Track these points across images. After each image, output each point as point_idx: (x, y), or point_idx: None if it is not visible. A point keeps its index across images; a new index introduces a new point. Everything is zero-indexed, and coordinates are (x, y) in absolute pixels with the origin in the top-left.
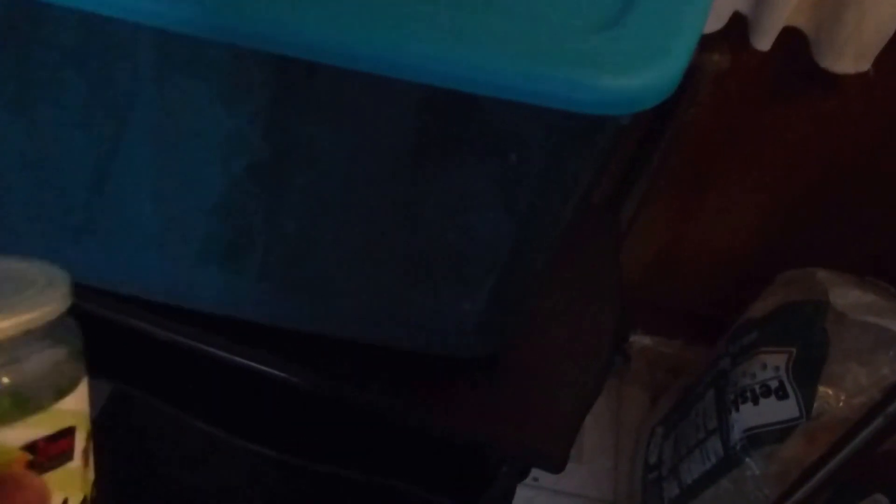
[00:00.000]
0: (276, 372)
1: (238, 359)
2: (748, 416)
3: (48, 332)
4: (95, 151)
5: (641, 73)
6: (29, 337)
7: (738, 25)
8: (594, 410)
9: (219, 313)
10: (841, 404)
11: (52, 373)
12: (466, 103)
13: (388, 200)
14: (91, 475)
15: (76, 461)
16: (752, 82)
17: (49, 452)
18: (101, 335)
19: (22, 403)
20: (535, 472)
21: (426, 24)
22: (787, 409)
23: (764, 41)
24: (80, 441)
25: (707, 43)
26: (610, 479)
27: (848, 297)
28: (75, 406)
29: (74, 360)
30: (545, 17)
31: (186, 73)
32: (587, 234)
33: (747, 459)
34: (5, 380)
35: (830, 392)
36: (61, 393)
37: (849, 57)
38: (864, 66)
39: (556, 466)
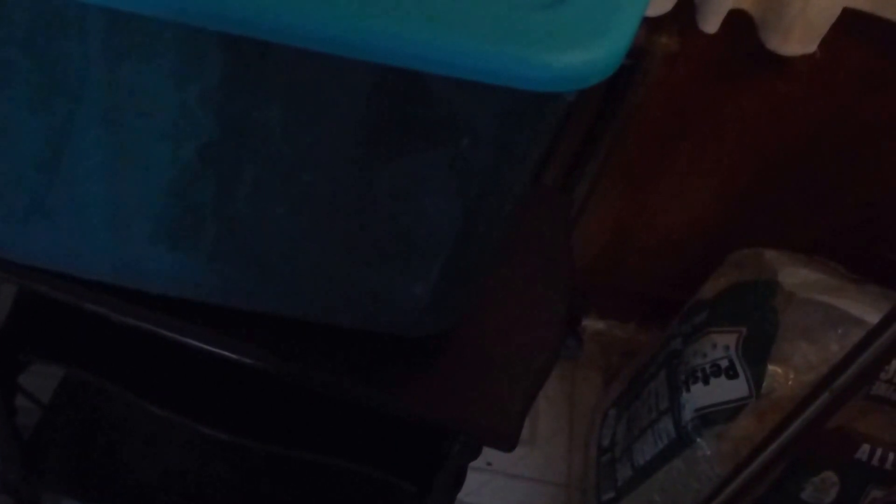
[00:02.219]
0: (228, 353)
1: (189, 340)
2: (699, 396)
3: None
4: (44, 132)
5: (585, 50)
6: None
7: (686, 8)
8: (548, 394)
9: (170, 294)
10: (790, 382)
11: None
12: (416, 83)
13: (339, 181)
14: None
15: None
16: (701, 65)
17: None
18: (52, 318)
19: None
20: (488, 455)
21: (374, 2)
22: (737, 388)
23: (711, 24)
24: None
25: (655, 25)
26: (564, 461)
27: (797, 276)
28: None
29: None
30: None
31: (136, 53)
32: (539, 216)
33: (698, 439)
34: None
35: (780, 370)
36: None
37: (795, 39)
38: (811, 47)
39: (508, 445)
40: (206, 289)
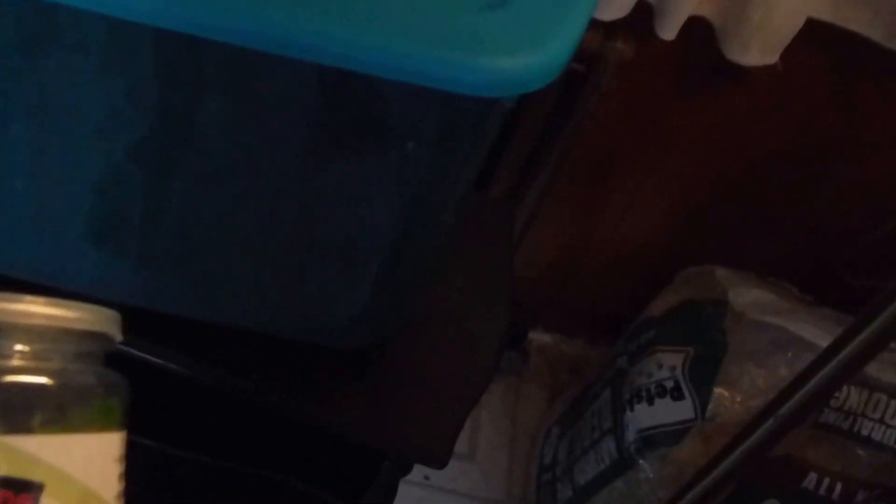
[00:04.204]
0: (154, 359)
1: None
2: (643, 417)
3: (83, 347)
4: None
5: (524, 55)
6: (66, 341)
7: (643, 13)
8: (490, 409)
9: (94, 295)
10: (737, 406)
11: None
12: (357, 85)
13: (275, 184)
14: None
15: None
16: (657, 73)
17: None
18: None
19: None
20: (426, 470)
21: (311, 2)
22: (682, 410)
23: (669, 30)
24: None
25: (610, 30)
26: (504, 479)
27: (747, 296)
28: (56, 457)
29: (94, 408)
30: None
31: (59, 45)
32: (482, 227)
33: (641, 461)
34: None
35: (726, 393)
36: (36, 429)
37: (756, 49)
38: (772, 58)
39: (439, 462)
40: (132, 291)
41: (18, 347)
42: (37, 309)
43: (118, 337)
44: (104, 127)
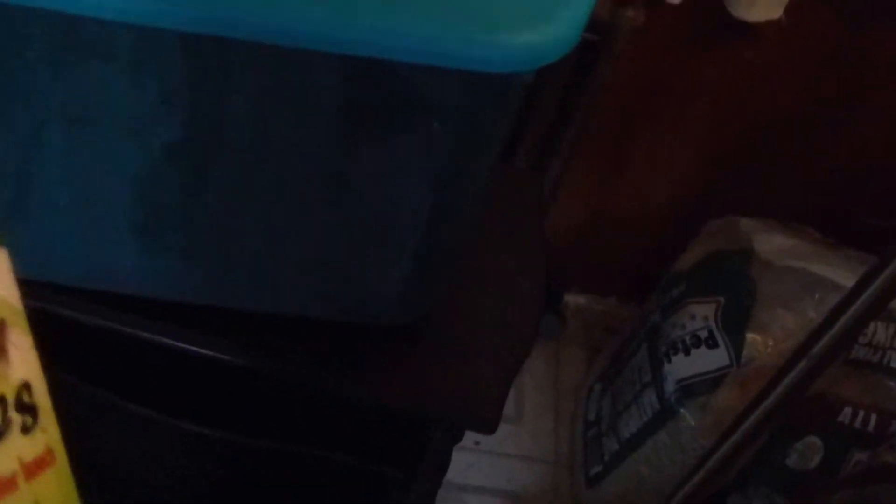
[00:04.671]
0: (204, 350)
1: (164, 339)
2: (680, 367)
3: None
4: (4, 137)
5: (540, 29)
6: None
7: None
8: (533, 372)
9: (143, 294)
10: (770, 350)
11: None
12: (381, 71)
13: (311, 172)
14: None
15: None
16: (669, 37)
17: None
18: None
19: None
20: (476, 436)
21: None
22: (717, 358)
23: None
24: None
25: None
26: (551, 438)
27: (772, 243)
28: None
29: None
30: None
31: (90, 55)
32: (511, 197)
33: (682, 410)
34: None
35: (759, 338)
36: None
37: (760, 5)
38: (776, 13)
39: (488, 427)
40: (178, 287)
41: None
42: None
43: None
44: (139, 130)
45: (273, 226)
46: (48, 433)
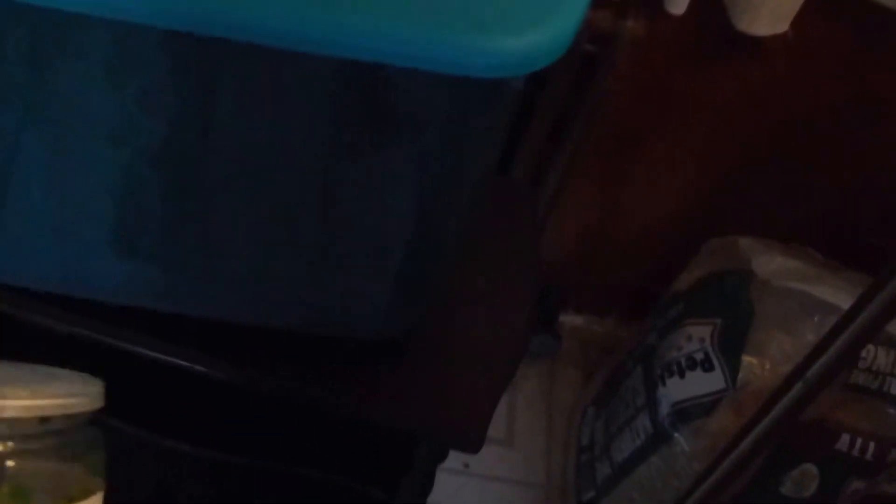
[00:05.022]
0: (187, 363)
1: (147, 351)
2: (675, 390)
3: (68, 433)
4: None
5: (529, 34)
6: (46, 428)
7: None
8: (526, 393)
9: (120, 302)
10: (766, 373)
11: (63, 476)
12: (366, 75)
13: (294, 182)
14: None
15: None
16: (670, 48)
17: None
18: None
19: (20, 497)
20: (465, 458)
21: None
22: (713, 381)
23: (678, 5)
24: None
25: (621, 9)
26: (543, 461)
27: (771, 264)
28: None
29: (90, 472)
30: None
31: (67, 53)
32: (505, 210)
33: (676, 434)
34: (10, 463)
35: (755, 361)
36: (68, 501)
37: (765, 18)
38: (782, 27)
39: (473, 446)
40: (156, 296)
41: (15, 436)
42: (24, 407)
43: (99, 404)
44: (119, 133)
45: (256, 236)
46: None
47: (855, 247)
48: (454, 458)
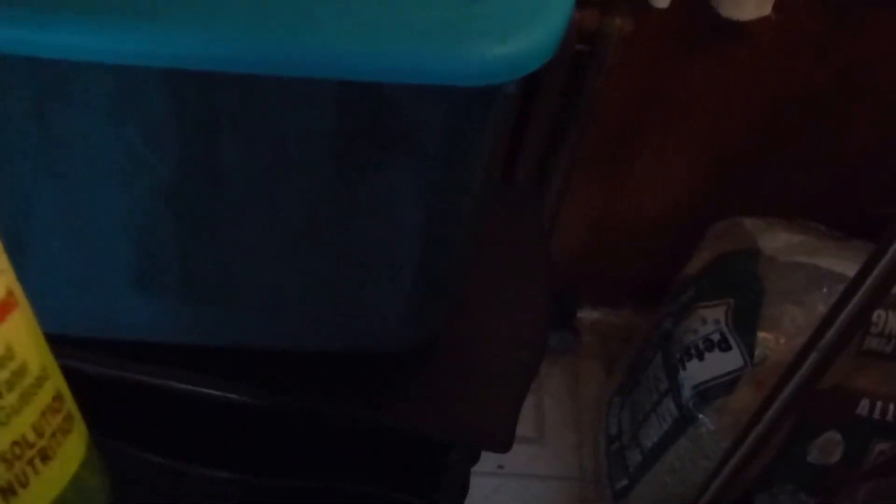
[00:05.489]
0: (215, 391)
1: (174, 383)
2: (696, 373)
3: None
4: None
5: (515, 40)
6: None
7: None
8: (552, 390)
9: (143, 340)
10: (782, 346)
11: None
12: (360, 98)
13: (301, 207)
14: None
15: None
16: (659, 41)
17: None
18: None
19: None
20: (499, 459)
21: (303, 18)
22: (731, 360)
23: None
24: None
25: (607, 8)
26: (574, 455)
27: (777, 240)
28: None
29: None
30: None
31: (66, 100)
32: (511, 215)
33: (700, 416)
34: None
35: (770, 336)
36: None
37: (749, 3)
38: (766, 9)
39: (503, 446)
40: (179, 331)
41: None
42: None
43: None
44: (129, 173)
45: (271, 262)
46: (6, 275)
47: (856, 217)
48: (489, 461)
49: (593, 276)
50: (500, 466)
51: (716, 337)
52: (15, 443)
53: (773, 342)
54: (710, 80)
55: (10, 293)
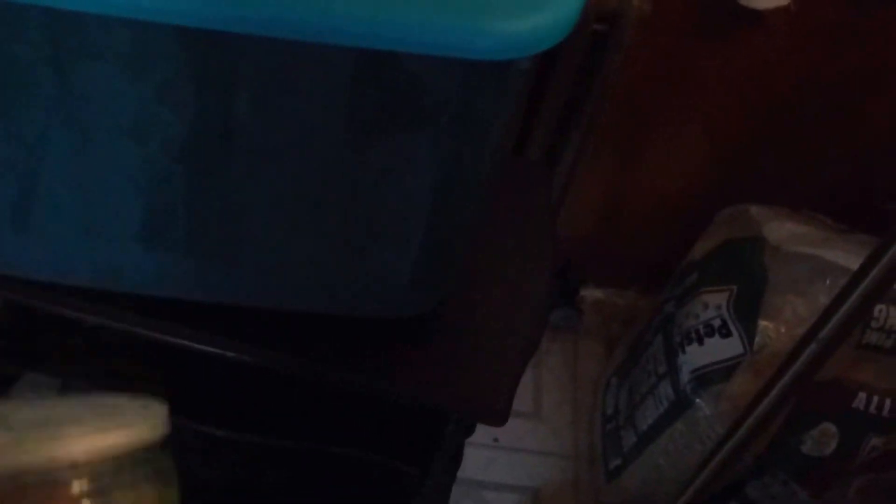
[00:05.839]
0: (217, 349)
1: (176, 339)
2: (695, 357)
3: (138, 463)
4: (4, 140)
5: (534, 16)
6: (117, 465)
7: None
8: (552, 366)
9: (150, 294)
10: (782, 336)
11: None
12: (378, 66)
13: (315, 169)
14: None
15: None
16: (676, 26)
17: None
18: (39, 330)
19: None
20: (495, 432)
21: None
22: (731, 347)
23: None
24: None
25: None
26: (570, 433)
27: (782, 230)
28: None
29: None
30: None
31: (84, 52)
32: (520, 190)
33: (697, 400)
34: (85, 502)
35: (771, 325)
36: None
37: None
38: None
39: (499, 419)
40: (186, 286)
41: (93, 474)
42: (107, 441)
43: (166, 429)
44: (142, 128)
45: (281, 223)
46: None
47: (863, 211)
48: (484, 433)
49: (599, 256)
50: (495, 440)
51: (717, 323)
52: None
53: (774, 331)
54: (726, 67)
55: None
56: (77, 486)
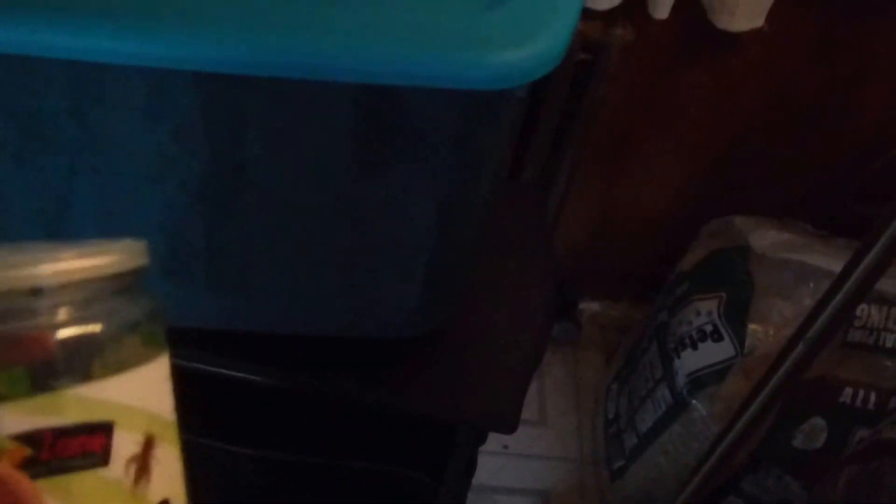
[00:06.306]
0: (236, 373)
1: (194, 364)
2: (689, 361)
3: (120, 297)
4: (33, 187)
5: (527, 47)
6: (89, 293)
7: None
8: (555, 376)
9: (175, 325)
10: (770, 338)
11: (119, 346)
12: (380, 100)
13: (322, 202)
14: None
15: (113, 471)
16: (658, 51)
17: (61, 450)
18: None
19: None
20: (504, 440)
21: (325, 26)
22: (723, 350)
23: (662, 10)
24: (124, 444)
25: (610, 19)
26: (575, 438)
27: (766, 238)
28: (118, 395)
29: (140, 339)
30: (434, 4)
31: (103, 102)
32: (518, 212)
33: (693, 402)
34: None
35: (759, 328)
36: (96, 374)
37: (742, 15)
38: (758, 22)
39: (509, 427)
40: (205, 315)
41: (63, 304)
42: (71, 265)
43: (146, 262)
44: (160, 170)
45: (292, 253)
46: None
47: (841, 217)
48: (494, 441)
49: (594, 271)
50: (505, 447)
51: (708, 328)
52: None
53: (763, 334)
54: (705, 88)
55: None
56: (45, 317)
